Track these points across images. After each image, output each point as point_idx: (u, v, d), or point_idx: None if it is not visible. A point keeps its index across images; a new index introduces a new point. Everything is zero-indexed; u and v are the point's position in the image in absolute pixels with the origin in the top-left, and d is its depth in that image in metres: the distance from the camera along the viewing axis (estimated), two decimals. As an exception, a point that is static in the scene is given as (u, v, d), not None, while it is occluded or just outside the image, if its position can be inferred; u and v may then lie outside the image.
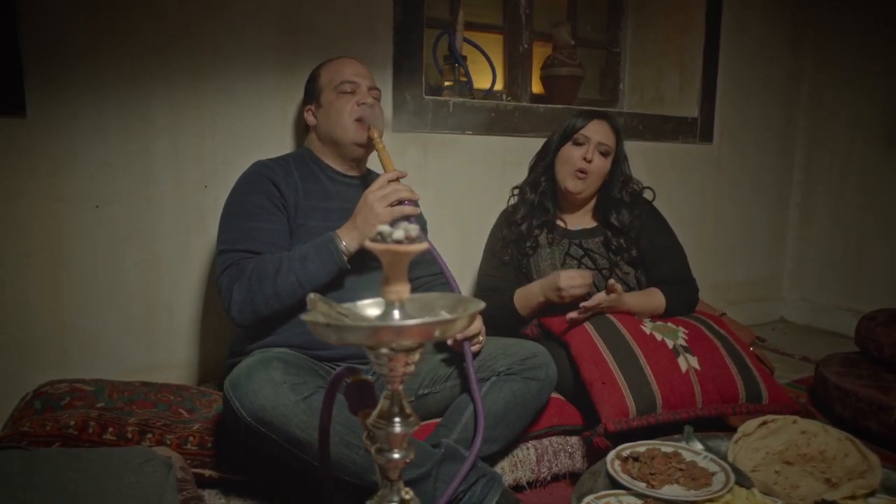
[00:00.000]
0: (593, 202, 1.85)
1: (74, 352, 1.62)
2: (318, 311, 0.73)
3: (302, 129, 1.82)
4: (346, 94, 1.52)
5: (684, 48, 2.64)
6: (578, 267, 1.76)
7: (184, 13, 1.64)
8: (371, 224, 1.33)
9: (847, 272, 2.85)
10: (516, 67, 2.50)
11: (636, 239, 1.78)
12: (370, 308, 0.77)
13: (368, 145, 1.53)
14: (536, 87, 2.57)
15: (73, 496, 0.88)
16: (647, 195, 1.87)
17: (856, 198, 2.81)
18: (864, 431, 1.74)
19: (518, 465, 1.47)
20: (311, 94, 1.59)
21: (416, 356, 0.72)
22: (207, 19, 1.67)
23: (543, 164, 1.83)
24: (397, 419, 0.73)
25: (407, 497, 0.75)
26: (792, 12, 2.85)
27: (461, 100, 2.10)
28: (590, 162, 1.72)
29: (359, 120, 1.51)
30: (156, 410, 1.31)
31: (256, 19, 1.73)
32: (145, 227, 1.67)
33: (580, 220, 1.84)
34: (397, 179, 1.39)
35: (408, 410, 0.74)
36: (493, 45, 2.51)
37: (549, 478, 1.50)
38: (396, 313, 0.71)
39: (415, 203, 1.37)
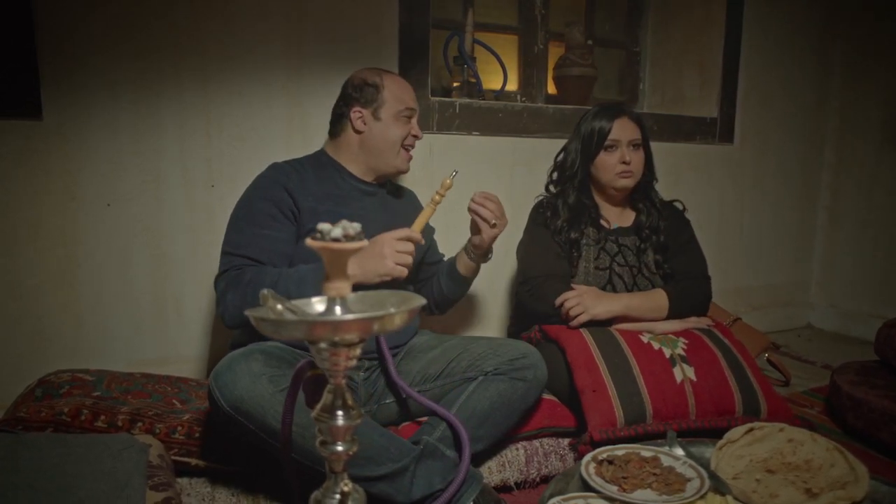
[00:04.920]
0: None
1: (87, 344, 1.69)
2: (268, 306, 0.75)
3: (312, 131, 1.86)
4: (404, 119, 1.55)
5: (704, 46, 2.58)
6: (611, 263, 1.78)
7: (192, 13, 1.69)
8: (373, 270, 1.31)
9: (878, 278, 2.74)
10: (531, 68, 2.49)
11: (665, 244, 1.80)
12: (319, 305, 0.79)
13: (405, 172, 1.61)
14: (553, 88, 2.56)
15: (50, 478, 0.93)
16: (678, 206, 1.92)
17: (888, 201, 2.70)
18: (876, 443, 1.67)
19: (506, 465, 1.47)
20: (369, 101, 1.54)
21: (358, 351, 0.74)
22: (214, 20, 1.72)
23: (570, 175, 1.82)
24: (340, 412, 0.75)
25: (346, 489, 0.77)
26: (820, 8, 2.76)
27: (467, 101, 2.11)
28: (629, 163, 1.76)
29: (405, 148, 1.57)
30: (149, 400, 1.37)
31: (262, 21, 1.78)
32: (155, 225, 1.73)
33: (619, 219, 1.85)
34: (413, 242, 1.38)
35: (350, 403, 0.76)
36: (509, 45, 2.51)
37: (538, 479, 1.49)
38: (337, 309, 0.73)
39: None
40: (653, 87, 2.77)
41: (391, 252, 1.32)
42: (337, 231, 0.69)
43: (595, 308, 1.63)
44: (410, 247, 1.36)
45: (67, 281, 1.66)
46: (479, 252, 1.61)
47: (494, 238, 1.57)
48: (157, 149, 1.71)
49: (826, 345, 2.74)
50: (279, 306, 0.75)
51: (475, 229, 1.57)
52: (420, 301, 0.75)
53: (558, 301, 1.65)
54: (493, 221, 1.53)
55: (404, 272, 1.33)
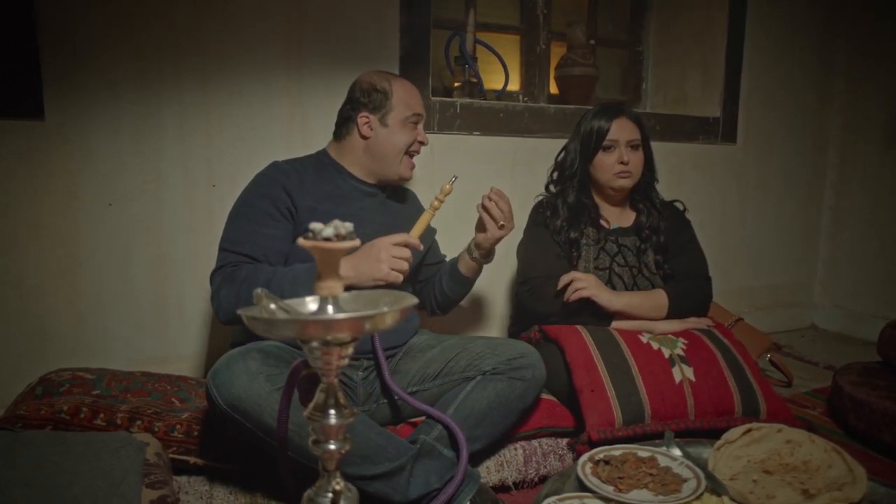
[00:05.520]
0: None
1: (88, 343, 1.70)
2: (262, 305, 0.76)
3: (312, 131, 1.87)
4: (411, 126, 1.56)
5: (707, 47, 2.58)
6: (611, 264, 1.77)
7: (192, 13, 1.70)
8: (368, 274, 1.32)
9: (882, 278, 2.73)
10: (533, 68, 2.48)
11: (665, 244, 1.80)
12: (311, 304, 0.80)
13: (407, 180, 1.61)
14: (554, 88, 2.56)
15: (48, 475, 0.94)
16: (678, 206, 1.92)
17: (892, 201, 2.68)
18: (877, 444, 1.67)
19: (505, 465, 1.47)
20: (377, 107, 1.53)
21: (350, 350, 0.74)
22: (214, 20, 1.72)
23: (569, 174, 1.82)
24: (332, 411, 0.75)
25: (338, 487, 0.77)
26: (820, 8, 2.75)
27: (468, 101, 2.11)
28: (627, 163, 1.75)
29: (409, 154, 1.57)
30: (149, 399, 1.37)
31: (262, 21, 1.78)
32: (155, 225, 1.74)
33: (619, 219, 1.85)
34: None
35: (343, 402, 0.76)
36: (510, 45, 2.51)
37: (536, 479, 1.49)
38: (329, 308, 0.73)
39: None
40: (656, 87, 2.77)
41: (387, 257, 1.32)
42: (328, 230, 0.70)
43: (599, 291, 1.63)
44: (407, 252, 1.36)
45: (68, 280, 1.66)
46: (482, 251, 1.61)
47: (498, 240, 1.58)
48: (158, 149, 1.71)
49: (830, 345, 2.72)
50: (272, 305, 0.75)
51: (480, 227, 1.58)
52: (412, 301, 0.75)
53: (565, 278, 1.64)
54: (502, 222, 1.53)
55: (399, 278, 1.33)
